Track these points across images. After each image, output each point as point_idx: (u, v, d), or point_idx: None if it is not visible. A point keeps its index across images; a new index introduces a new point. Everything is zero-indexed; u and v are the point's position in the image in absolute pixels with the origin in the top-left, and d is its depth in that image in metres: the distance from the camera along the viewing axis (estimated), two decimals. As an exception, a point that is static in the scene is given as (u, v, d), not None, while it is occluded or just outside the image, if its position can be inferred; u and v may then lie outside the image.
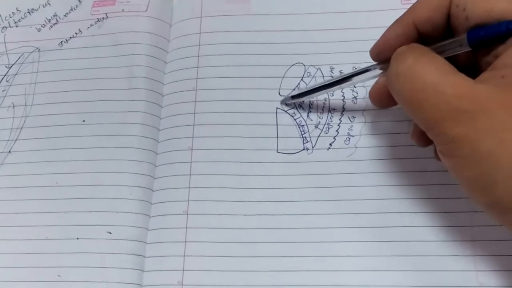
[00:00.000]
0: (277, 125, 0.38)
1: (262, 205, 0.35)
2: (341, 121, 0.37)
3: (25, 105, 0.41)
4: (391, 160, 0.36)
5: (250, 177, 0.36)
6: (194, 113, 0.39)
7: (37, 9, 0.44)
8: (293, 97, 0.37)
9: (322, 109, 0.38)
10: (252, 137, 0.37)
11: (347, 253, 0.34)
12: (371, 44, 0.31)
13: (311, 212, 0.35)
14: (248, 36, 0.41)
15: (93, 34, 0.42)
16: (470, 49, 0.26)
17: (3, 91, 0.41)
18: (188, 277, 0.34)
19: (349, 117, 0.37)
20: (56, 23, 0.43)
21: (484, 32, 0.25)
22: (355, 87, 0.38)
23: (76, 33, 0.43)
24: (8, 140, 0.40)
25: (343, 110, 0.38)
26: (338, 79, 0.33)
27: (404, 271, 0.33)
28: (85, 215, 0.36)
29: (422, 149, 0.33)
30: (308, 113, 0.38)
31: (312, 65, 0.39)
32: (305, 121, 0.38)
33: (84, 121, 0.39)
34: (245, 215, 0.35)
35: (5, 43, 0.43)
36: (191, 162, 0.37)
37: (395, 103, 0.31)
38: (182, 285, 0.34)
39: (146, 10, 0.42)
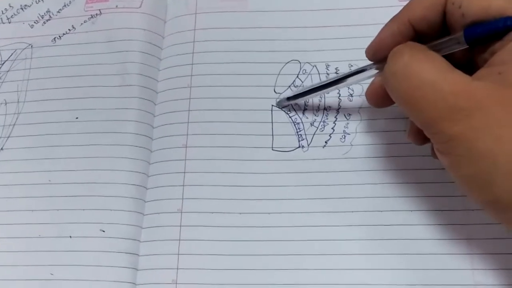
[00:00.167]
0: (272, 122, 0.37)
1: (257, 203, 0.35)
2: (336, 118, 0.37)
3: (18, 102, 0.40)
4: (387, 158, 0.35)
5: (245, 175, 0.36)
6: (189, 110, 0.38)
7: (30, 5, 0.44)
8: (288, 98, 0.37)
9: (318, 107, 0.38)
10: (247, 135, 0.37)
11: (342, 251, 0.33)
12: (367, 41, 0.30)
13: (306, 210, 0.35)
14: (243, 33, 0.40)
15: (86, 31, 0.42)
16: (467, 46, 0.26)
17: (-5, 87, 0.41)
18: (182, 276, 0.34)
19: (344, 115, 0.37)
20: (49, 19, 0.43)
21: (481, 29, 0.25)
22: (351, 84, 0.38)
23: (69, 30, 0.42)
24: (0, 137, 0.39)
25: (338, 107, 0.37)
26: (334, 79, 0.33)
27: (400, 270, 0.33)
28: (78, 213, 0.36)
29: (418, 147, 0.33)
30: (303, 110, 0.38)
31: (308, 62, 0.39)
32: (301, 119, 0.37)
33: (77, 118, 0.39)
34: (240, 213, 0.35)
35: (-3, 39, 0.43)
36: (185, 159, 0.37)
37: (392, 103, 0.30)
38: (176, 283, 0.34)
39: (140, 7, 0.42)
